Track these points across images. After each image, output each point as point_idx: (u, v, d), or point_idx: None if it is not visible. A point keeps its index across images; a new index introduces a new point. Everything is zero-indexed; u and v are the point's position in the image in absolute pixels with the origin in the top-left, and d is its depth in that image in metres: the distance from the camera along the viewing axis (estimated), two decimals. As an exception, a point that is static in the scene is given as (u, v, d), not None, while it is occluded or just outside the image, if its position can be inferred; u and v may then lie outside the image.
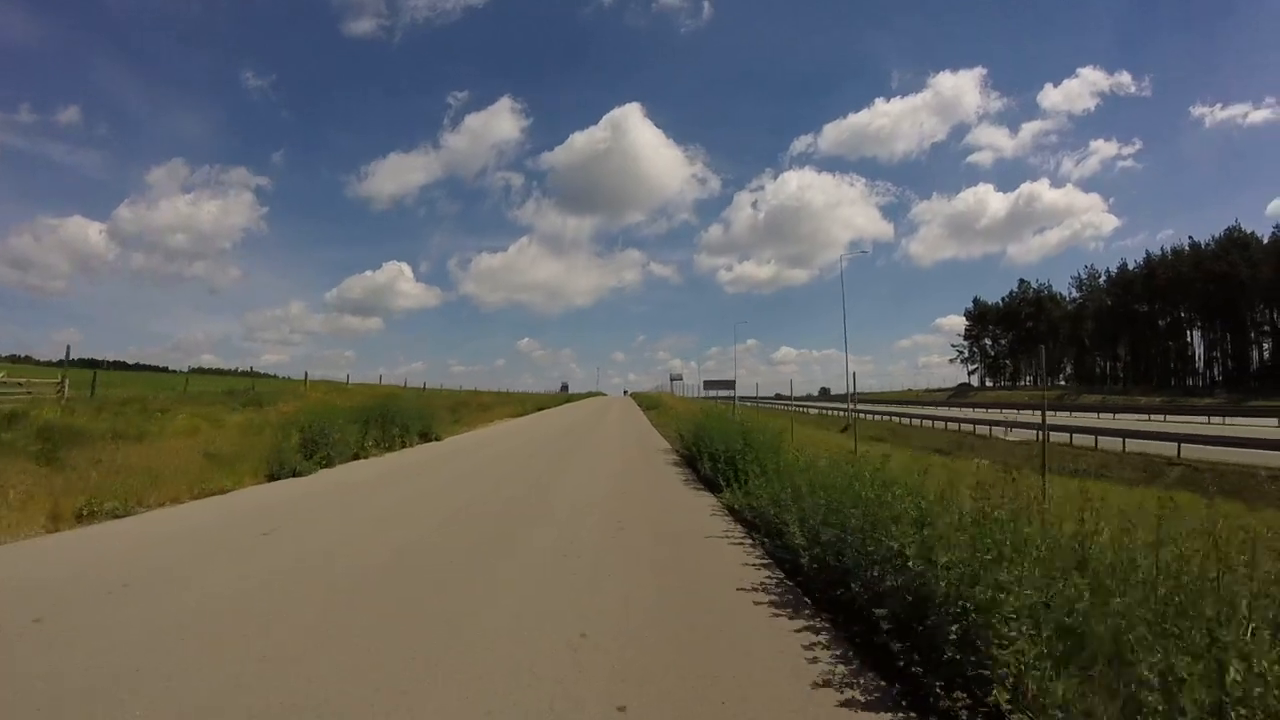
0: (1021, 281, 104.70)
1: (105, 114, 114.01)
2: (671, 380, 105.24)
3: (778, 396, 73.47)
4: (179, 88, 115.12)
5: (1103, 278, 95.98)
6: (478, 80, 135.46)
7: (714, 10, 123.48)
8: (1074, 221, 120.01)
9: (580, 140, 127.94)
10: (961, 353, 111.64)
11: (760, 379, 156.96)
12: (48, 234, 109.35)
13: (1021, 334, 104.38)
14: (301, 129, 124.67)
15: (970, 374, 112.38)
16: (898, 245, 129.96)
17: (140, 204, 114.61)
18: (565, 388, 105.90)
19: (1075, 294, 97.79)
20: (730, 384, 76.03)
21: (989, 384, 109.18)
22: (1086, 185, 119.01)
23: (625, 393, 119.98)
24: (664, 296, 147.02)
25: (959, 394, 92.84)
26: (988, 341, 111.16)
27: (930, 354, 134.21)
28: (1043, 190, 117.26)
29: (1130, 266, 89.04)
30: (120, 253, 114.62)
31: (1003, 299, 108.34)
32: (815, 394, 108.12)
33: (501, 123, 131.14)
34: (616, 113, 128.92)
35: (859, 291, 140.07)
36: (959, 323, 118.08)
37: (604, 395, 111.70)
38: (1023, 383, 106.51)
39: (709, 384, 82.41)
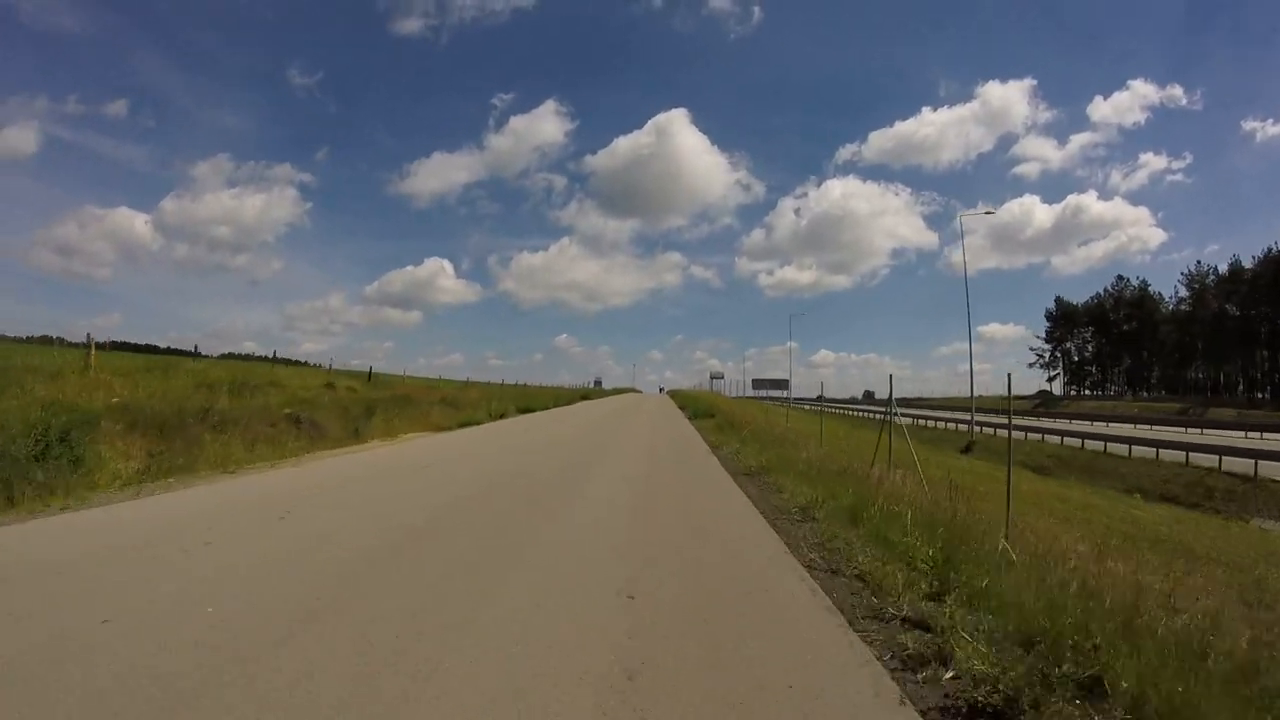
0: (1119, 278, 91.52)
1: (152, 108, 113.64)
2: (712, 379, 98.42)
3: (819, 399, 67.15)
4: (226, 84, 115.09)
5: (1211, 276, 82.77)
6: (523, 82, 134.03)
7: (763, 16, 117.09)
8: (1120, 234, 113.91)
9: (624, 144, 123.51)
10: (1041, 357, 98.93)
11: (798, 380, 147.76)
12: (94, 223, 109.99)
13: (1114, 337, 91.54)
14: (346, 127, 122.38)
15: (1049, 381, 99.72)
16: (940, 254, 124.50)
17: (185, 197, 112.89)
18: (598, 383, 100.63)
19: (1183, 293, 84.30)
20: (783, 383, 64.15)
21: (1072, 392, 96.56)
22: (1134, 198, 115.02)
23: (661, 390, 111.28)
24: (703, 299, 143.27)
25: (1047, 403, 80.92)
26: (1070, 345, 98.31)
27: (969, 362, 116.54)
28: (1090, 202, 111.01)
29: (1246, 264, 76.08)
30: (164, 243, 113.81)
31: (1092, 297, 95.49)
32: (859, 397, 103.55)
33: (545, 125, 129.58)
34: (661, 118, 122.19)
35: (899, 299, 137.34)
36: (1000, 331, 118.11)
37: (638, 392, 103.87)
38: (1109, 391, 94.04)
39: (758, 383, 69.99)
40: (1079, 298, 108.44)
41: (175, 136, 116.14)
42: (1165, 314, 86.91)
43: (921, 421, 43.97)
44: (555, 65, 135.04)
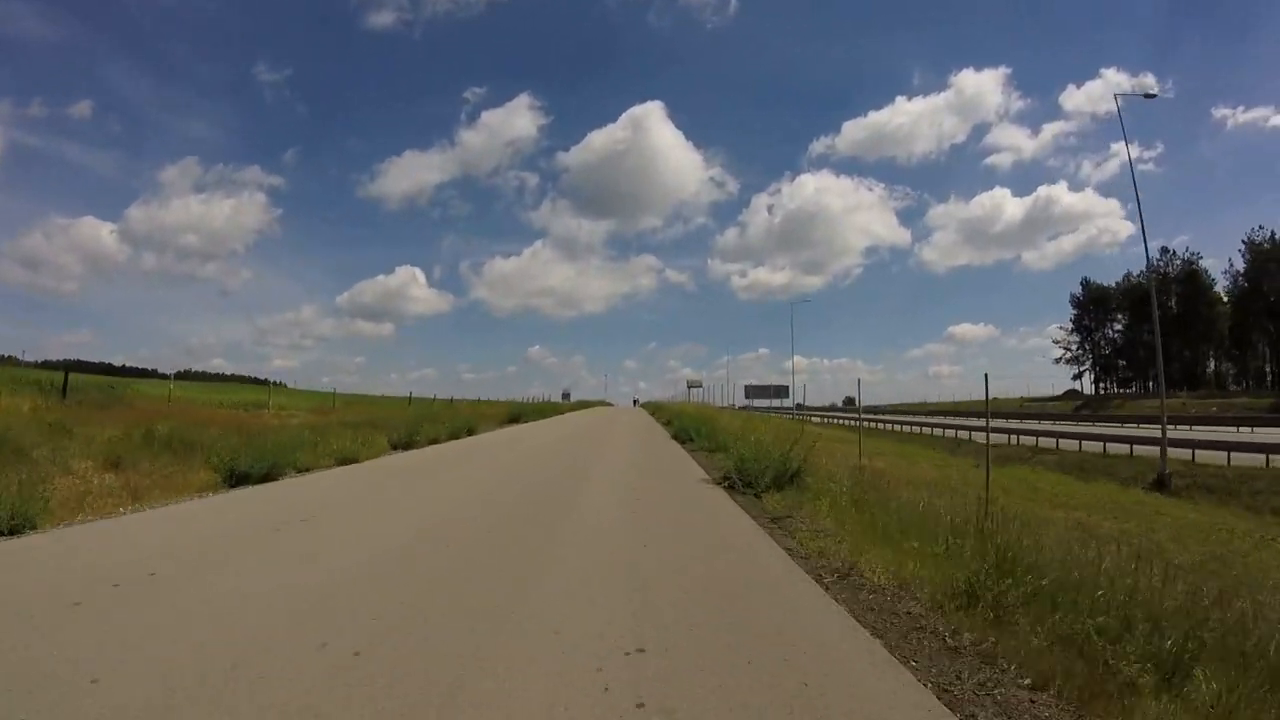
0: (1164, 250, 79.25)
1: (117, 111, 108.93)
2: (689, 388, 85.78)
3: (799, 407, 61.51)
4: (193, 84, 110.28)
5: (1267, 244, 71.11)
6: (496, 77, 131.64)
7: (739, 6, 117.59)
8: (1090, 226, 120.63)
9: (599, 140, 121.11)
10: (1069, 350, 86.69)
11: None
12: (59, 234, 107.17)
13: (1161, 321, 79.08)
14: (316, 126, 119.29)
15: (1076, 378, 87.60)
16: (912, 251, 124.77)
17: (152, 203, 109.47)
18: (567, 396, 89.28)
19: (1238, 267, 72.33)
20: (782, 390, 48.70)
21: (1102, 389, 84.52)
22: (1105, 189, 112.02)
23: (635, 402, 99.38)
24: (677, 303, 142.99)
25: (1090, 405, 68.28)
26: (1100, 336, 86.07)
27: (941, 364, 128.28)
28: (1060, 194, 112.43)
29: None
30: (131, 254, 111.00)
31: (1124, 278, 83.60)
32: (839, 404, 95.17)
33: (519, 120, 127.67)
34: (637, 110, 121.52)
35: (870, 300, 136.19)
36: (970, 331, 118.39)
37: (610, 405, 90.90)
38: (1144, 387, 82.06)
39: (752, 390, 53.23)
40: (1049, 293, 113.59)
41: (141, 140, 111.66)
42: (1214, 294, 75.13)
43: (1010, 440, 29.92)
44: (529, 59, 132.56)
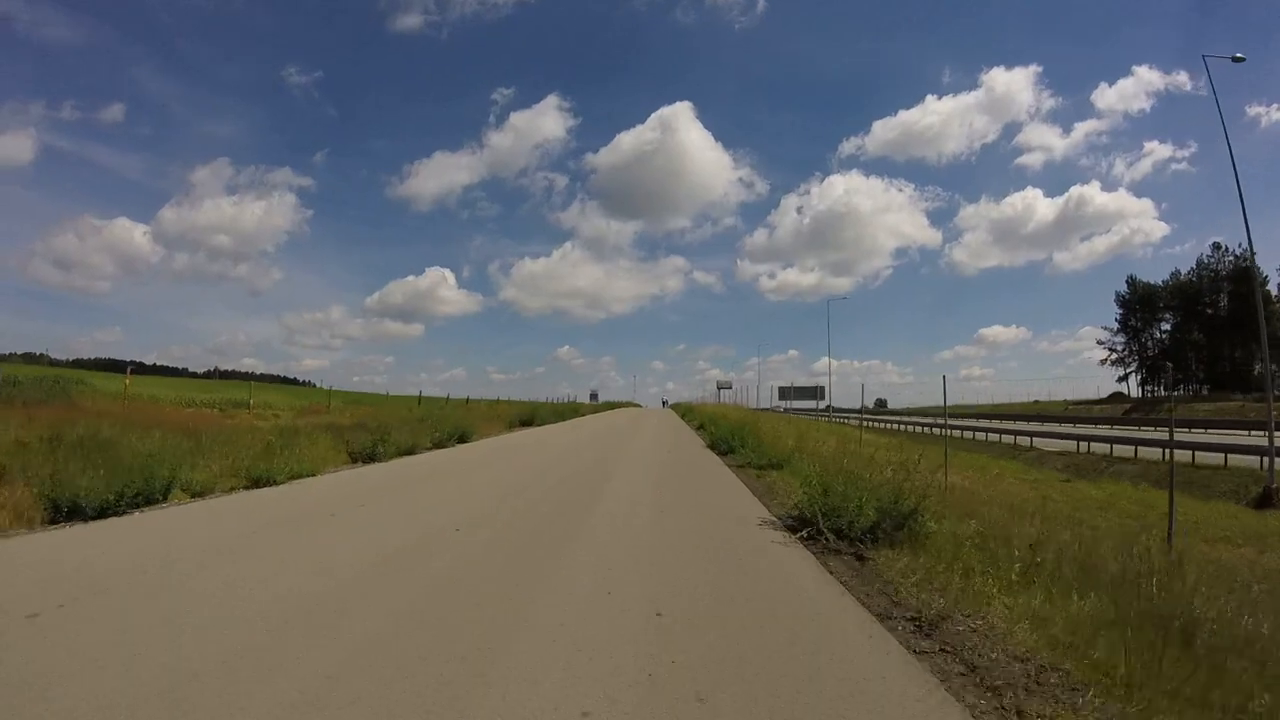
0: (1216, 246, 75.58)
1: (149, 113, 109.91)
2: (719, 389, 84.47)
3: (829, 408, 62.91)
4: (224, 86, 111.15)
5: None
6: (525, 77, 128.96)
7: (767, 5, 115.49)
8: (1123, 227, 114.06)
9: (627, 141, 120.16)
10: (1114, 351, 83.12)
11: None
12: (92, 235, 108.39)
13: (1205, 322, 75.62)
14: (345, 127, 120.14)
15: (1121, 380, 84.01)
16: (942, 252, 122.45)
17: (184, 204, 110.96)
18: (594, 396, 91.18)
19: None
20: (817, 391, 47.53)
21: (1148, 392, 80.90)
22: (1138, 189, 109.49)
23: (665, 403, 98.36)
24: (704, 305, 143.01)
25: (1143, 408, 65.05)
26: (1146, 337, 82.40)
27: (972, 366, 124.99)
28: (1093, 194, 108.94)
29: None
30: (164, 254, 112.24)
31: (1171, 276, 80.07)
32: (871, 405, 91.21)
33: (547, 121, 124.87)
34: (665, 111, 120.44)
35: (900, 301, 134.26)
36: (1002, 334, 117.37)
37: (638, 406, 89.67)
38: (1189, 390, 78.38)
39: (786, 391, 51.18)
40: (1081, 295, 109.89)
41: (173, 142, 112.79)
42: (1267, 293, 71.20)
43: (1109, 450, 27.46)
44: (557, 59, 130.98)
